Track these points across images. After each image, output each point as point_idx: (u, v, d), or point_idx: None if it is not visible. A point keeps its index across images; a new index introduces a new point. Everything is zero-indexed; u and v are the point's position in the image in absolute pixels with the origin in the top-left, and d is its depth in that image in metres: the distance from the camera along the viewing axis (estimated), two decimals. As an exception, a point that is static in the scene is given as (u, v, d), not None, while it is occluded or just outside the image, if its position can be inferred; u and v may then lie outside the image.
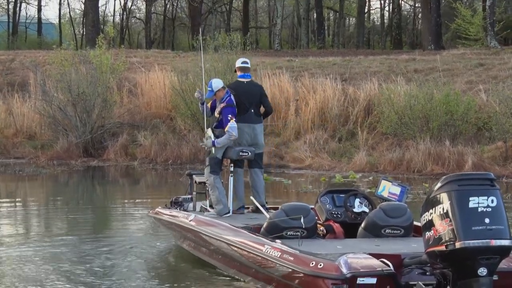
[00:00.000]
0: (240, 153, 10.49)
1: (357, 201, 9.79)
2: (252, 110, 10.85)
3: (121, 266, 10.18)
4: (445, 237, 6.66)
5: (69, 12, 59.16)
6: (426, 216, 6.94)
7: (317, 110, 24.50)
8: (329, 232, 9.34)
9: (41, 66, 30.48)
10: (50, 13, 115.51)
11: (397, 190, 9.89)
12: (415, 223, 9.06)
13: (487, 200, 6.70)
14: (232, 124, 10.29)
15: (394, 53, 34.67)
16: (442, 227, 6.73)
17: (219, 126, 10.49)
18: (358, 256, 7.44)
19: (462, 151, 20.46)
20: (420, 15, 56.54)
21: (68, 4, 58.63)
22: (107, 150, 24.76)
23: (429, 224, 6.88)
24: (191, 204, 11.18)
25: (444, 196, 6.75)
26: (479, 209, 6.65)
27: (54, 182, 21.20)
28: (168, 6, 57.39)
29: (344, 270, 7.14)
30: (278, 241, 8.33)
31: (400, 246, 8.22)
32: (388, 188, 9.91)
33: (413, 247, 8.16)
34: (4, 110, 27.16)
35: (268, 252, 8.11)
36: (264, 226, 8.98)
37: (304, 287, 7.55)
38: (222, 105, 10.48)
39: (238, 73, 11.14)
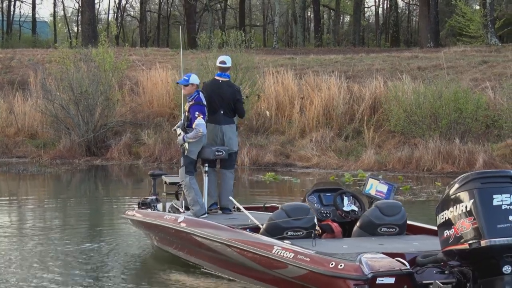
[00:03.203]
0: (216, 153, 10.40)
1: (346, 199, 9.76)
2: (222, 111, 10.66)
3: (115, 266, 10.13)
4: (468, 236, 6.62)
5: (64, 10, 58.73)
6: (445, 215, 6.89)
7: (322, 108, 24.20)
8: (327, 231, 9.25)
9: (40, 64, 30.08)
10: (44, 11, 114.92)
11: (384, 188, 9.84)
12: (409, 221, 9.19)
13: (510, 197, 6.65)
14: (199, 121, 10.12)
15: (394, 50, 34.45)
16: (464, 226, 6.67)
17: (190, 125, 10.29)
18: (375, 256, 7.36)
19: (472, 149, 20.23)
20: (414, 12, 56.60)
21: (63, 2, 58.22)
22: (110, 149, 24.43)
23: (449, 223, 6.83)
24: (160, 205, 11.09)
25: (465, 195, 6.69)
26: (503, 207, 6.65)
27: (58, 181, 20.93)
28: (162, 4, 57.06)
29: (366, 271, 7.07)
30: (287, 241, 8.23)
31: (403, 245, 8.25)
32: (376, 186, 9.87)
33: (415, 245, 8.20)
34: (5, 108, 26.80)
35: (279, 253, 7.94)
36: (264, 226, 8.84)
37: None
38: (191, 103, 10.30)
39: (217, 71, 10.95)
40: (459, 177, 6.93)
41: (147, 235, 11.30)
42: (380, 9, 57.66)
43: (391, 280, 7.08)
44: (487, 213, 6.58)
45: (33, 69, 29.37)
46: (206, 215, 10.20)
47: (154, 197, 11.27)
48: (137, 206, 11.30)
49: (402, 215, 9.02)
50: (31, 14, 55.67)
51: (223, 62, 10.85)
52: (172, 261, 10.27)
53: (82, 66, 25.54)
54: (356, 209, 9.70)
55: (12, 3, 55.54)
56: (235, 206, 10.73)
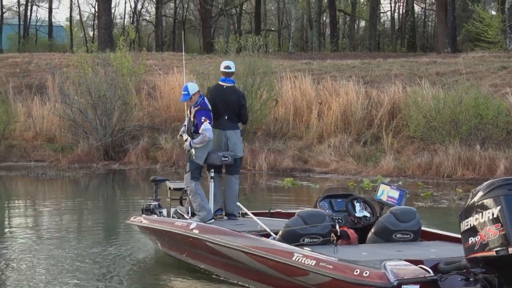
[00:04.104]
0: (223, 158, 10.37)
1: (357, 205, 9.75)
2: (226, 117, 10.61)
3: (125, 269, 10.11)
4: (495, 243, 6.53)
5: (80, 15, 58.84)
6: (470, 222, 6.81)
7: (340, 113, 24.08)
8: (343, 238, 9.19)
9: (57, 68, 30.13)
10: (60, 16, 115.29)
11: (395, 194, 9.79)
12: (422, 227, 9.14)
13: None
14: (205, 126, 10.08)
15: (411, 55, 34.26)
16: (491, 233, 6.59)
17: (197, 131, 10.22)
18: (399, 263, 7.30)
19: (493, 155, 20.06)
20: (430, 17, 56.39)
21: (79, 7, 58.33)
22: (128, 153, 24.41)
23: (474, 230, 6.75)
24: (164, 211, 11.05)
25: (491, 201, 6.60)
26: None
27: (76, 185, 20.89)
28: (178, 9, 57.10)
29: (391, 278, 7.00)
30: (307, 248, 8.16)
31: (421, 252, 8.18)
32: (387, 192, 9.82)
33: (433, 252, 8.13)
34: (23, 112, 26.88)
35: (299, 260, 7.85)
36: (281, 233, 8.77)
37: None
38: (196, 108, 10.21)
39: (221, 76, 10.85)
40: (483, 184, 6.85)
41: (152, 240, 11.23)
42: (396, 14, 57.57)
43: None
44: None
45: (50, 73, 29.44)
46: (213, 220, 10.15)
47: (156, 203, 11.21)
48: (140, 212, 11.28)
49: (416, 221, 8.98)
50: (47, 19, 55.92)
51: (227, 67, 10.79)
52: (182, 266, 10.20)
53: (100, 70, 25.54)
54: (368, 215, 9.70)
55: (29, 7, 55.74)
56: (240, 212, 10.70)
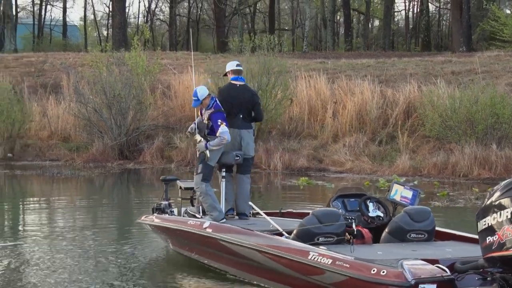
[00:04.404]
0: (236, 158, 10.36)
1: (371, 205, 9.74)
2: (241, 115, 10.53)
3: (139, 267, 10.13)
4: None
5: (94, 14, 59.00)
6: (487, 221, 6.76)
7: (355, 112, 24.02)
8: (358, 237, 9.13)
9: (72, 67, 30.20)
10: (74, 15, 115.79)
11: (409, 194, 9.75)
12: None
13: None
14: (223, 129, 9.97)
15: (426, 55, 34.13)
16: (509, 232, 6.53)
17: (212, 133, 10.11)
18: (416, 263, 7.25)
19: (509, 155, 19.96)
20: (444, 17, 56.20)
21: (93, 6, 58.52)
22: (143, 152, 24.43)
23: (491, 229, 6.70)
24: (175, 210, 11.01)
25: (509, 201, 6.55)
26: None
27: (91, 184, 20.92)
28: (192, 8, 57.16)
29: (409, 277, 6.96)
30: (323, 247, 8.13)
31: (436, 251, 8.14)
32: (400, 192, 9.80)
33: (448, 251, 8.12)
34: (38, 112, 26.97)
35: (315, 259, 7.80)
36: (295, 232, 8.73)
37: None
38: (210, 111, 10.09)
39: (231, 76, 10.73)
40: (501, 183, 6.81)
41: (163, 239, 11.20)
42: (410, 13, 57.38)
43: (433, 287, 7.00)
44: None
45: (65, 72, 29.50)
46: (224, 220, 10.10)
47: (166, 202, 11.16)
48: (151, 211, 11.25)
49: (431, 221, 8.95)
50: (61, 18, 56.10)
51: (239, 65, 10.78)
52: (193, 265, 10.19)
53: (115, 69, 25.57)
54: (382, 214, 9.68)
55: (43, 7, 55.93)
56: (251, 212, 10.65)
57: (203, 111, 10.27)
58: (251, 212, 10.67)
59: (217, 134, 10.00)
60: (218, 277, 9.45)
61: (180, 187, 11.05)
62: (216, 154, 10.16)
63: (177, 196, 11.26)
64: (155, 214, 11.00)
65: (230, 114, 10.35)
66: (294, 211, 11.17)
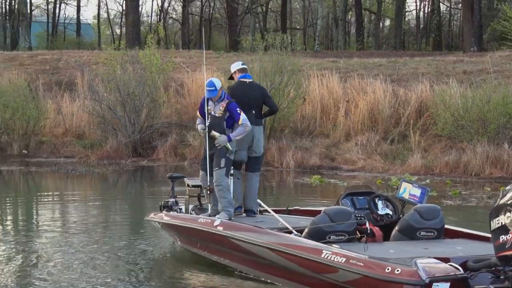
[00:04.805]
0: (248, 155, 10.47)
1: (379, 203, 9.80)
2: (253, 111, 10.53)
3: (148, 264, 10.18)
4: None
5: (107, 12, 59.12)
6: (501, 220, 6.79)
7: (367, 111, 23.97)
8: (369, 235, 9.08)
9: (86, 65, 30.26)
10: (88, 14, 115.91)
11: (417, 191, 9.77)
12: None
13: None
14: (243, 116, 9.99)
15: (437, 54, 34.03)
16: None
17: (228, 126, 10.07)
18: (429, 261, 7.26)
19: (521, 154, 19.84)
20: (455, 17, 56.00)
21: (106, 5, 58.61)
22: (156, 150, 24.48)
23: (505, 228, 6.73)
24: (183, 207, 11.01)
25: None
26: None
27: (105, 181, 20.99)
28: (204, 7, 57.17)
29: (423, 276, 6.98)
30: (336, 246, 8.15)
31: (447, 249, 8.16)
32: (409, 190, 9.80)
33: (459, 249, 8.13)
34: (53, 109, 27.05)
35: (329, 258, 7.80)
36: (307, 230, 8.74)
37: None
38: (224, 102, 10.02)
39: (238, 75, 10.74)
40: None
41: (171, 236, 11.22)
42: (421, 13, 57.23)
43: (447, 286, 7.01)
44: None
45: (79, 70, 29.57)
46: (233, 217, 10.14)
47: (173, 199, 11.17)
48: (159, 209, 11.25)
49: (440, 219, 8.97)
50: (75, 16, 56.22)
51: (244, 64, 10.87)
52: (201, 261, 10.20)
53: (129, 67, 25.59)
54: (390, 212, 9.74)
55: (57, 5, 56.07)
56: (259, 209, 10.65)
57: (212, 106, 10.12)
58: (258, 209, 10.68)
59: (240, 122, 9.98)
60: (226, 274, 9.48)
61: (188, 185, 11.01)
62: (234, 148, 10.14)
63: (185, 194, 11.23)
64: (164, 211, 11.00)
65: (243, 111, 10.30)
66: (301, 208, 11.20)
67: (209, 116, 10.09)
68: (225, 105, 10.01)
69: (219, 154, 10.07)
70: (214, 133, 10.02)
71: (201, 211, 10.70)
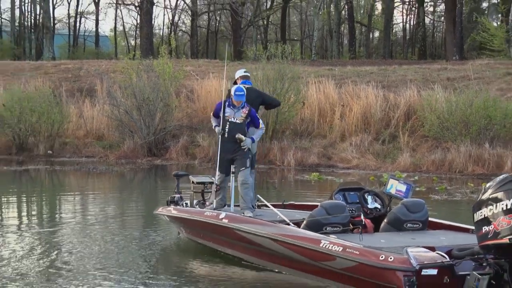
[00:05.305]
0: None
1: (369, 198, 9.84)
2: None
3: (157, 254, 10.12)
4: (509, 231, 6.53)
5: (123, 26, 59.10)
6: (484, 213, 6.80)
7: (360, 114, 23.92)
8: (361, 227, 9.02)
9: (105, 73, 30.21)
10: (105, 27, 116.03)
11: (403, 187, 9.81)
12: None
13: None
14: (261, 120, 10.28)
15: (423, 62, 33.94)
16: (505, 222, 6.57)
17: (248, 128, 10.11)
18: (419, 250, 7.30)
19: (500, 153, 19.85)
20: (438, 28, 55.91)
21: (122, 18, 58.60)
22: (169, 150, 24.43)
23: (487, 220, 6.74)
24: (188, 202, 11.01)
25: (504, 194, 6.60)
26: None
27: (123, 178, 20.94)
28: (211, 21, 57.12)
29: (414, 263, 7.02)
30: (333, 236, 8.17)
31: (432, 239, 8.19)
32: (396, 186, 9.83)
33: (443, 239, 8.19)
34: (75, 113, 27.01)
35: (327, 247, 7.82)
36: (306, 222, 8.78)
37: (372, 279, 7.40)
38: (245, 110, 9.99)
39: (240, 81, 10.83)
40: (495, 179, 6.85)
41: (178, 228, 11.15)
42: (408, 25, 57.15)
43: (434, 272, 7.06)
44: None
45: (99, 78, 29.50)
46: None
47: (179, 195, 11.11)
48: (166, 203, 11.21)
49: (425, 212, 9.00)
50: (94, 29, 56.15)
51: (246, 72, 11.01)
52: (206, 251, 10.18)
53: (144, 75, 25.55)
54: (379, 206, 9.79)
55: (78, 19, 56.10)
56: (257, 203, 10.63)
57: (231, 113, 9.99)
58: (256, 203, 10.65)
59: (260, 127, 10.15)
60: (229, 262, 9.45)
61: (193, 182, 10.97)
62: (255, 148, 10.29)
63: (190, 190, 11.14)
64: (171, 206, 10.95)
65: None
66: (296, 203, 11.19)
67: (227, 123, 9.97)
68: (247, 112, 10.00)
69: (244, 155, 10.01)
70: (241, 136, 9.95)
71: (204, 206, 10.69)
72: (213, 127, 10.40)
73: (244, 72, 10.99)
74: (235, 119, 10.00)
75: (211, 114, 10.47)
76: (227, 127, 9.98)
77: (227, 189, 10.40)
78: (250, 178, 10.04)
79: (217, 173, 10.20)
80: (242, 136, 9.95)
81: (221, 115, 10.04)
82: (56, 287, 8.16)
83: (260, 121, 10.19)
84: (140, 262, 9.49)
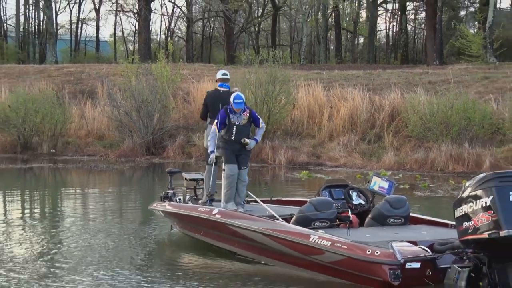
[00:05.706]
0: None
1: (354, 194, 9.83)
2: None
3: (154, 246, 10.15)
4: (488, 227, 6.52)
5: (122, 31, 58.86)
6: (464, 209, 6.80)
7: (347, 116, 23.85)
8: (348, 222, 9.03)
9: (105, 77, 30.04)
10: (105, 32, 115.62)
11: (385, 184, 9.80)
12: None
13: None
14: (261, 119, 10.24)
15: (406, 67, 33.86)
16: (484, 218, 6.55)
17: (248, 130, 10.12)
18: (403, 244, 7.31)
19: (479, 152, 19.81)
20: (419, 35, 55.89)
21: (121, 25, 58.36)
22: (166, 149, 24.31)
23: (467, 216, 6.75)
24: (181, 197, 10.97)
25: (484, 192, 6.59)
26: None
27: (123, 175, 20.81)
28: (205, 27, 56.95)
29: (399, 256, 7.04)
30: (321, 231, 8.13)
31: (413, 234, 8.20)
32: (379, 183, 9.80)
33: (424, 234, 8.18)
34: (77, 114, 26.86)
35: (316, 241, 7.78)
36: (295, 218, 8.74)
37: (359, 272, 7.38)
38: (246, 113, 9.93)
39: (218, 83, 10.79)
40: (476, 177, 6.82)
41: (171, 222, 11.06)
42: (390, 32, 57.16)
43: (418, 265, 7.08)
44: (505, 208, 6.45)
45: (100, 81, 29.34)
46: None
47: (172, 191, 11.04)
48: (160, 199, 11.10)
49: (406, 208, 9.01)
50: (95, 35, 55.87)
51: (225, 74, 10.89)
52: (203, 245, 10.07)
53: (142, 78, 25.42)
54: (363, 202, 9.77)
55: (80, 25, 55.83)
56: (246, 199, 10.56)
57: (235, 118, 9.86)
58: (246, 199, 10.54)
59: (261, 126, 10.13)
60: (220, 256, 9.39)
61: (185, 178, 10.90)
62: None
63: (183, 186, 11.09)
64: (166, 201, 10.84)
65: (214, 114, 10.22)
66: (283, 198, 11.14)
67: (234, 126, 9.89)
68: (248, 115, 9.96)
69: (247, 155, 10.05)
70: (246, 141, 9.94)
71: (197, 201, 10.60)
72: (208, 151, 10.14)
73: (222, 75, 10.83)
74: (239, 122, 9.98)
75: (210, 131, 10.14)
76: (234, 130, 9.91)
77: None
78: (247, 177, 10.06)
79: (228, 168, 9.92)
80: (247, 140, 9.96)
81: (227, 122, 9.91)
82: (53, 279, 8.11)
83: (260, 120, 10.17)
84: (135, 255, 9.44)
